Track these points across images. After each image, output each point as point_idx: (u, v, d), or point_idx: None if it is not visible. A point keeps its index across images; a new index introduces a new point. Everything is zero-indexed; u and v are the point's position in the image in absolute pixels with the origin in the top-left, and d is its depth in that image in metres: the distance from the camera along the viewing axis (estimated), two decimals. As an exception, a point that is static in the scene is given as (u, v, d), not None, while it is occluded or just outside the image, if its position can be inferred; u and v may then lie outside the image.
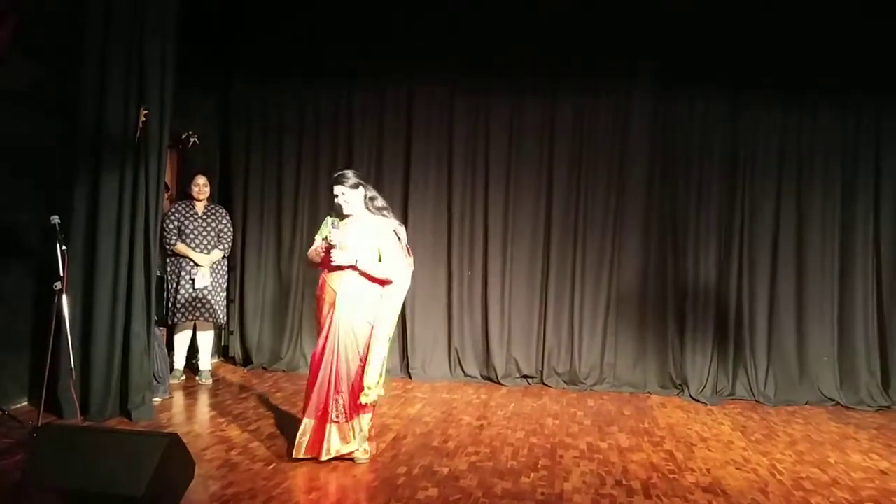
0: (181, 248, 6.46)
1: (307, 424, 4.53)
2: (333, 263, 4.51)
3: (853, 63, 6.85)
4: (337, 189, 4.58)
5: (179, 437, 3.72)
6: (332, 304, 4.53)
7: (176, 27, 5.48)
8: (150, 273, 5.42)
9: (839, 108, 7.00)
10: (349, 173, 4.64)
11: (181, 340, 6.69)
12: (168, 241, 6.41)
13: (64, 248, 4.86)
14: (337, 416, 4.49)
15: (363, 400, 4.47)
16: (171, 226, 6.44)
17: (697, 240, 7.10)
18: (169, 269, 6.52)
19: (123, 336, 5.32)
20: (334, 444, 4.49)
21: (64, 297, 4.86)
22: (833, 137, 7.04)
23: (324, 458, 4.46)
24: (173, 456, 3.58)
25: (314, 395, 4.51)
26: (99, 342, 5.26)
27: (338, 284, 4.53)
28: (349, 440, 4.53)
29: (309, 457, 4.51)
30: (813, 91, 6.96)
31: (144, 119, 5.31)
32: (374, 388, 4.48)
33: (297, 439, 4.55)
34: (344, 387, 4.50)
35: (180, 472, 3.72)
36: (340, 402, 4.49)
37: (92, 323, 5.27)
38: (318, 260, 4.66)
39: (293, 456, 4.53)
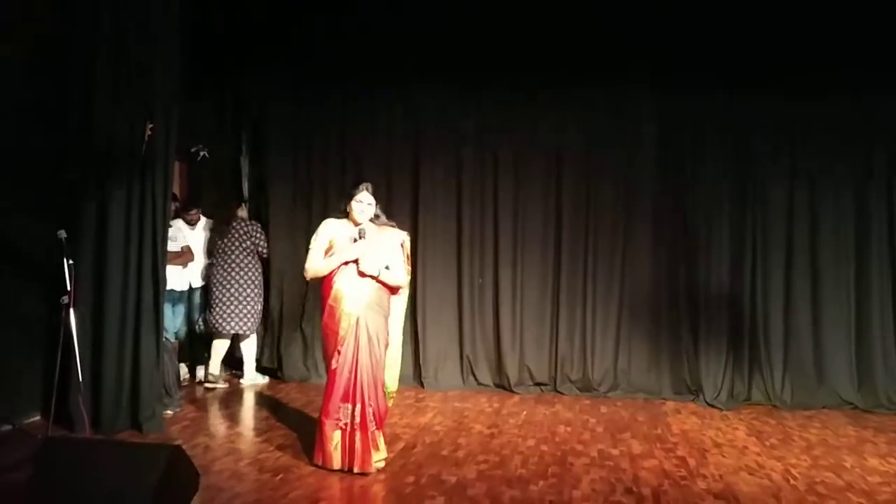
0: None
1: (337, 436, 4.52)
2: (364, 271, 4.56)
3: (867, 64, 6.67)
4: (363, 196, 4.68)
5: (181, 449, 3.74)
6: (352, 314, 4.55)
7: (183, 42, 5.52)
8: (158, 286, 5.44)
9: (850, 105, 6.86)
10: (371, 187, 4.77)
11: (219, 347, 6.95)
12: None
13: (71, 262, 4.88)
14: (370, 425, 4.50)
15: (389, 404, 4.78)
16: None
17: (710, 243, 7.01)
18: (213, 280, 6.89)
19: (133, 349, 5.34)
20: (372, 455, 4.52)
21: (71, 311, 4.88)
22: (846, 136, 6.91)
23: (371, 469, 4.50)
24: (177, 467, 3.59)
25: (343, 406, 4.51)
26: (108, 355, 5.29)
27: (358, 293, 4.58)
28: (379, 448, 4.58)
29: (340, 468, 4.51)
30: (824, 93, 6.81)
31: (150, 133, 5.34)
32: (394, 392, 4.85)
33: (326, 450, 4.53)
34: (373, 394, 4.54)
35: (184, 483, 3.73)
36: (370, 410, 4.51)
37: (102, 336, 5.29)
38: (325, 272, 4.67)
39: (323, 465, 4.55)
